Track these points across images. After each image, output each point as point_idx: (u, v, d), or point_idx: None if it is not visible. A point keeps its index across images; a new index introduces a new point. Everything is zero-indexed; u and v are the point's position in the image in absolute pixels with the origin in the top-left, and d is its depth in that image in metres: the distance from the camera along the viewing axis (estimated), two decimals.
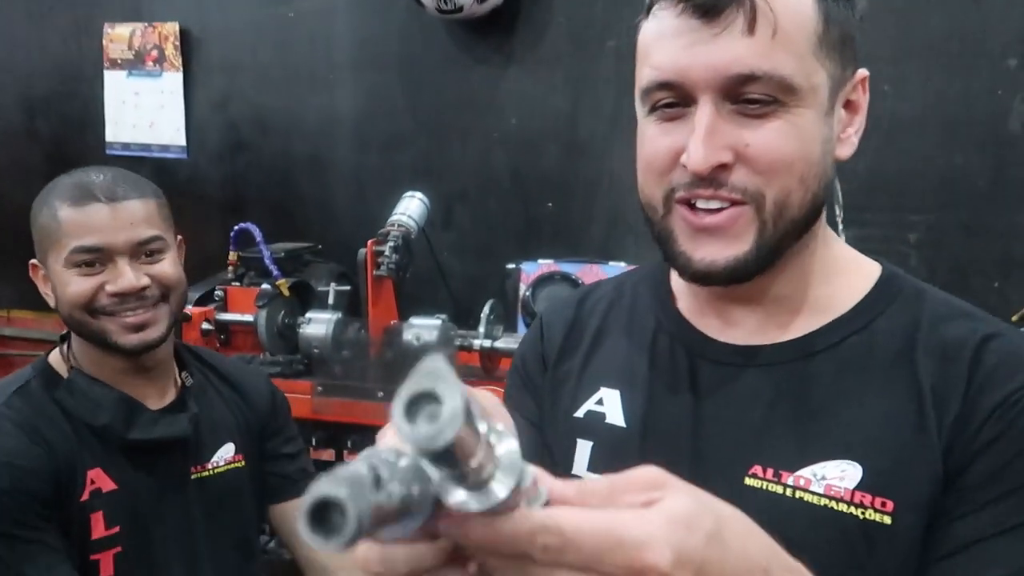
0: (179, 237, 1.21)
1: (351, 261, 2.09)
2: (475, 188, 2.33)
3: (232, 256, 2.11)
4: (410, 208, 1.81)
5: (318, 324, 1.79)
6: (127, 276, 1.08)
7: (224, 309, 2.06)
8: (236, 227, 2.09)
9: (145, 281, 1.10)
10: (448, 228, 2.34)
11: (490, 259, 2.29)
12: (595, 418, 0.73)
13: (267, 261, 1.97)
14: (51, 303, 1.15)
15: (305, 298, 2.00)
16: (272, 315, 1.91)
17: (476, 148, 2.32)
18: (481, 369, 1.78)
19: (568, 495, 0.35)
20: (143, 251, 1.11)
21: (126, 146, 2.60)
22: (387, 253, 1.65)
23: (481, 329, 1.73)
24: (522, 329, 2.10)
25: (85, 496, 1.09)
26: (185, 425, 1.17)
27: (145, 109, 2.56)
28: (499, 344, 1.73)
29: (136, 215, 1.10)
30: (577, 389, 0.75)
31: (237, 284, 2.12)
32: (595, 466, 0.71)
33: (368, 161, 2.43)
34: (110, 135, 2.61)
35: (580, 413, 0.74)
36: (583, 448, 0.72)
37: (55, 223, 1.09)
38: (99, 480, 1.10)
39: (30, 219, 1.14)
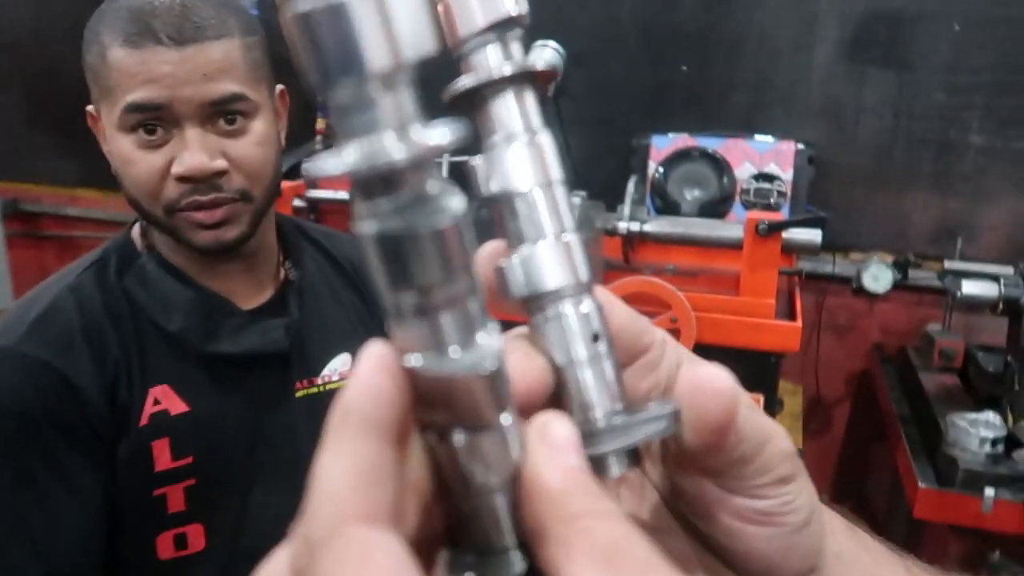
0: (279, 88, 0.90)
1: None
2: (595, 49, 1.99)
3: (320, 124, 1.85)
4: (542, 60, 1.49)
5: None
6: (194, 154, 0.80)
7: (314, 185, 1.82)
8: None
9: (220, 164, 0.82)
10: (560, 95, 2.03)
11: (611, 132, 1.99)
12: None
13: None
14: (112, 165, 0.87)
15: None
16: None
17: (597, 1, 1.98)
18: (621, 259, 1.51)
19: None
20: (221, 115, 0.82)
21: None
22: None
23: (625, 210, 1.45)
24: (651, 212, 1.83)
25: (144, 420, 0.86)
26: (280, 336, 0.91)
27: None
28: (648, 228, 1.45)
29: (211, 63, 0.80)
30: None
31: None
32: None
33: None
34: None
35: None
36: None
37: (105, 67, 0.80)
38: (165, 400, 0.87)
39: (81, 52, 0.85)
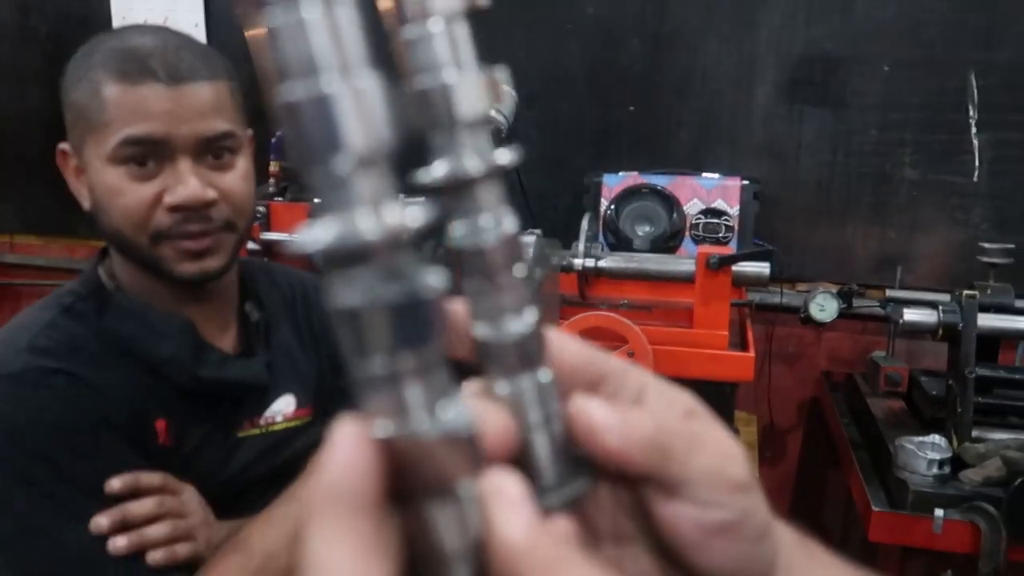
0: (249, 132, 0.93)
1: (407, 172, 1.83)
2: (543, 89, 2.04)
3: (273, 167, 1.84)
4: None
5: None
6: (190, 184, 0.83)
7: (267, 227, 1.80)
8: (278, 133, 1.81)
9: (212, 195, 0.85)
10: (512, 137, 2.07)
11: (563, 171, 2.03)
12: None
13: None
14: (84, 203, 0.89)
15: None
16: None
17: (545, 42, 2.03)
18: (577, 295, 1.54)
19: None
20: (210, 151, 0.86)
21: None
22: None
23: (580, 247, 1.48)
24: (604, 248, 1.86)
25: (167, 444, 0.87)
26: (262, 372, 0.93)
27: (157, 1, 2.24)
28: (603, 264, 1.48)
29: (204, 102, 0.84)
30: None
31: (280, 199, 1.86)
32: None
33: None
34: None
35: None
36: None
37: (97, 103, 0.82)
38: (161, 435, 0.87)
39: (61, 91, 0.87)
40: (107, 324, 0.87)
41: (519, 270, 0.26)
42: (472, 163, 0.25)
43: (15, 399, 0.79)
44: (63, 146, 0.89)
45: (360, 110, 0.20)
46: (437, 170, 0.25)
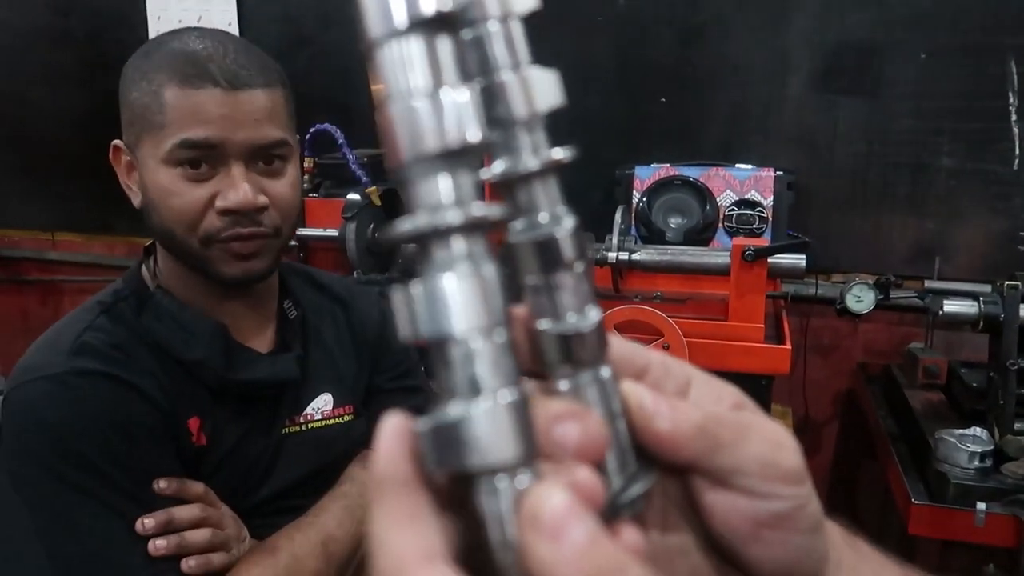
0: (296, 137, 0.95)
1: None
2: (573, 82, 2.01)
3: (308, 163, 1.87)
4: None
5: None
6: (242, 190, 0.84)
7: (302, 223, 1.83)
8: (311, 129, 1.83)
9: (263, 200, 0.86)
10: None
11: (594, 164, 2.02)
12: None
13: (353, 166, 1.72)
14: (134, 201, 0.91)
15: (396, 209, 1.76)
16: (361, 228, 1.67)
17: (575, 36, 2.03)
18: (611, 288, 1.54)
19: None
20: (262, 157, 0.87)
21: None
22: None
23: (614, 240, 1.48)
24: (636, 240, 1.86)
25: (201, 443, 0.89)
26: (292, 366, 0.95)
27: (191, 1, 2.27)
28: (638, 257, 1.48)
29: (260, 109, 0.85)
30: None
31: (314, 195, 1.88)
32: None
33: None
34: (153, 33, 2.33)
35: None
36: None
37: (156, 104, 0.84)
38: (195, 432, 0.89)
39: (119, 91, 0.88)
40: (145, 323, 0.89)
41: (579, 266, 0.27)
42: (530, 160, 0.26)
43: (55, 401, 0.82)
44: (117, 142, 0.91)
45: (454, 117, 0.22)
46: (496, 168, 0.26)
